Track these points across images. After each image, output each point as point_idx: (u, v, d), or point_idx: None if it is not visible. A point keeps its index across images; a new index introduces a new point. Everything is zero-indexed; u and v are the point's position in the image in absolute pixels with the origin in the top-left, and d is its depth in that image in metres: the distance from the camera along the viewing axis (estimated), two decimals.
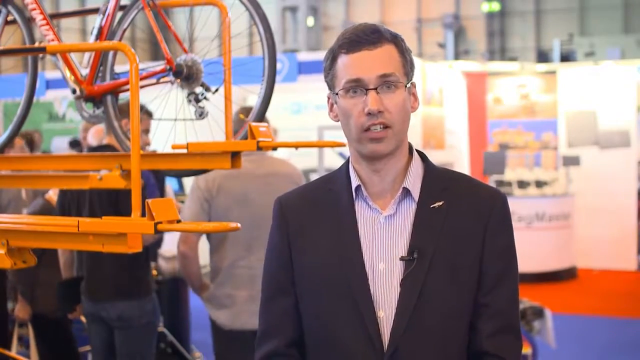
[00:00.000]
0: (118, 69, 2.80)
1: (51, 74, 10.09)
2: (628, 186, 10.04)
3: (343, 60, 1.63)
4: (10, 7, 2.90)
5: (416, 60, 11.28)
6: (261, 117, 2.58)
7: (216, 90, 2.60)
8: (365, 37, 1.62)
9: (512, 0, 24.20)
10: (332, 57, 1.66)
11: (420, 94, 9.24)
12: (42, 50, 2.54)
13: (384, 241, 1.65)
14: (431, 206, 1.65)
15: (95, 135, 5.62)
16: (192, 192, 3.64)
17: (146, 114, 3.73)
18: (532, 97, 10.46)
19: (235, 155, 2.51)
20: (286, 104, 10.00)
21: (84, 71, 2.80)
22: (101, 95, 2.78)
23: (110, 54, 2.77)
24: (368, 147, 1.63)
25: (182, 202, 4.63)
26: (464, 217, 1.65)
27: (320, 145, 2.81)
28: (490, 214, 1.66)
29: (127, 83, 2.69)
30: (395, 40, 1.65)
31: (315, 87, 9.64)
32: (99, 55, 2.77)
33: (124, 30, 2.74)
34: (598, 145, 10.22)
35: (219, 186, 3.57)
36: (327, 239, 1.68)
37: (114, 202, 3.64)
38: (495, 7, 23.98)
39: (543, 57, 21.29)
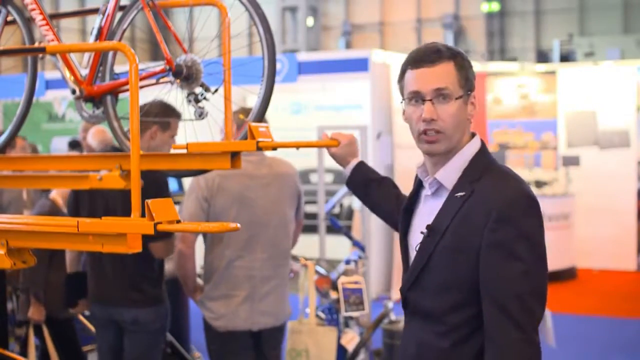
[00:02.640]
0: (118, 69, 2.80)
1: (51, 74, 10.09)
2: (628, 186, 10.04)
3: (408, 74, 2.00)
4: (10, 7, 2.90)
5: None
6: (261, 117, 2.58)
7: (216, 90, 2.60)
8: (426, 57, 1.96)
9: (512, 0, 24.17)
10: (402, 71, 2.03)
11: None
12: (42, 50, 2.53)
13: (425, 215, 2.04)
14: (455, 194, 1.95)
15: (95, 136, 5.62)
16: (191, 191, 3.63)
17: (176, 116, 3.54)
18: (532, 97, 10.44)
19: (235, 156, 2.51)
20: (286, 104, 9.99)
21: (84, 71, 2.80)
22: (101, 95, 2.77)
23: (110, 54, 2.77)
24: (424, 147, 2.00)
25: (177, 202, 4.60)
26: (477, 209, 1.89)
27: (320, 145, 2.80)
28: (491, 211, 1.87)
29: (126, 83, 2.69)
30: (455, 57, 1.97)
31: (315, 88, 9.65)
32: (99, 55, 2.77)
33: (124, 31, 2.74)
34: (598, 145, 10.21)
35: (219, 185, 3.58)
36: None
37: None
38: (495, 7, 23.91)
39: (543, 57, 21.22)
